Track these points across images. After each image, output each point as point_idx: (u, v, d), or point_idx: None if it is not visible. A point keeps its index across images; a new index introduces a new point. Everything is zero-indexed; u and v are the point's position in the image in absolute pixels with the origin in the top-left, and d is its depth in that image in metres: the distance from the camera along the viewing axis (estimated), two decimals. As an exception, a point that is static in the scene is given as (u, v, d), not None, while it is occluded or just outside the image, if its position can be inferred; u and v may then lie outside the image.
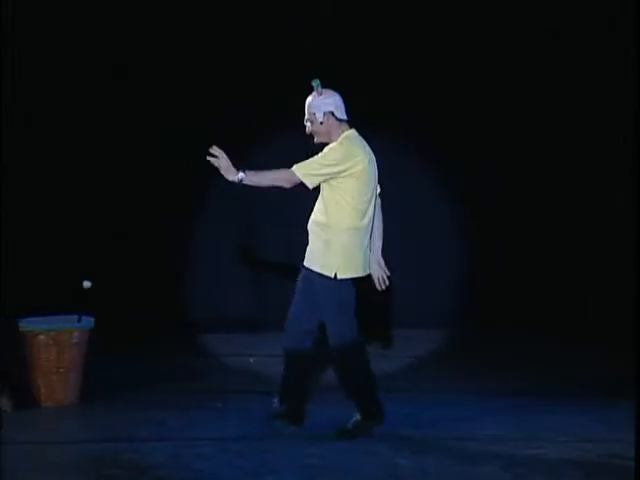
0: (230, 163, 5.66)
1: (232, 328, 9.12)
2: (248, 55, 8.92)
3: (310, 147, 5.88)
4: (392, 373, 7.63)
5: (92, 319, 6.85)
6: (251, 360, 8.09)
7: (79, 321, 6.81)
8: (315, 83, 5.79)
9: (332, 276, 5.74)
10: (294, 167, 5.73)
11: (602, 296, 8.92)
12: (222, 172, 5.68)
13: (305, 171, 5.70)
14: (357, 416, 5.85)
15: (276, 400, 5.98)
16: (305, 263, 5.87)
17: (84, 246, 8.97)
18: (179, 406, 6.64)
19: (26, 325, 6.79)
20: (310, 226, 5.89)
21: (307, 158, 5.73)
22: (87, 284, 6.86)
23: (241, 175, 5.65)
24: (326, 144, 5.84)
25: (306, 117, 5.86)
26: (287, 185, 5.75)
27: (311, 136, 5.90)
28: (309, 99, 5.84)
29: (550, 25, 8.99)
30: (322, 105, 5.79)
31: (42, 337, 6.70)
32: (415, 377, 7.71)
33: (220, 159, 5.66)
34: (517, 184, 9.29)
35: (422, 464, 5.35)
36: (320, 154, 5.78)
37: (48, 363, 6.69)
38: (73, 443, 5.75)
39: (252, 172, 5.69)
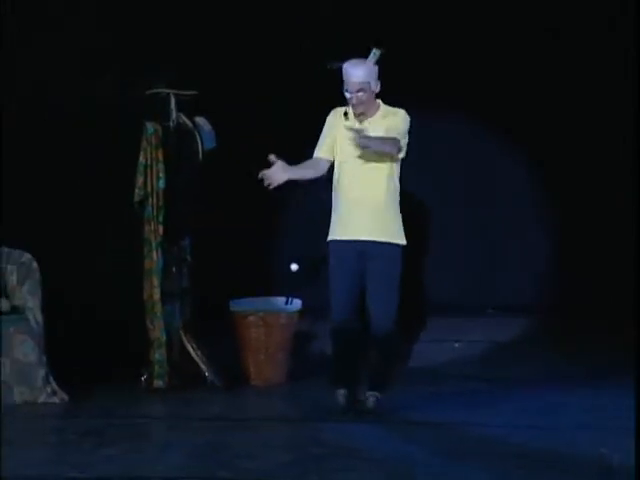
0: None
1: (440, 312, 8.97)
2: (248, 54, 8.69)
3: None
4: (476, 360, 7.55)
5: (300, 302, 6.91)
6: (456, 345, 7.99)
7: (287, 303, 6.88)
8: (376, 52, 5.55)
9: (404, 243, 5.69)
10: (394, 135, 5.59)
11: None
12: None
13: (402, 142, 5.63)
14: (377, 394, 5.82)
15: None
16: (369, 237, 5.65)
17: (287, 228, 9.04)
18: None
19: (236, 306, 6.93)
20: (367, 199, 5.64)
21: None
22: (294, 267, 6.92)
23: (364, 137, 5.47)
24: (360, 113, 5.64)
25: (357, 87, 5.56)
26: (394, 153, 5.59)
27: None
28: (361, 69, 5.56)
29: (550, 25, 8.70)
30: (375, 73, 5.61)
31: (252, 318, 6.82)
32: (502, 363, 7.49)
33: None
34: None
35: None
36: (396, 119, 5.63)
37: (257, 343, 6.81)
38: (281, 421, 5.84)
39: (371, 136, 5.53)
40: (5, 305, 6.53)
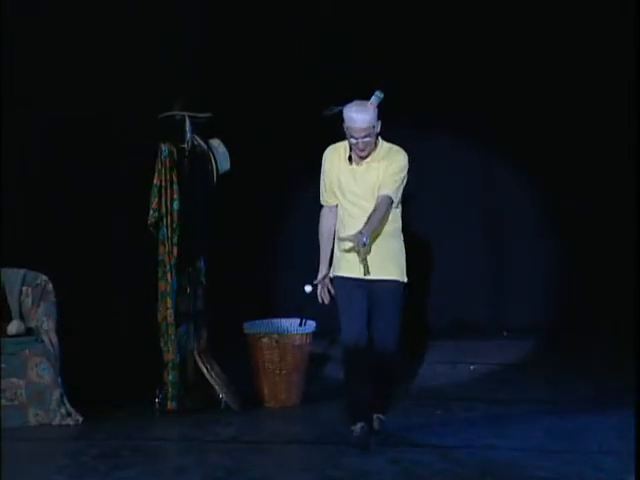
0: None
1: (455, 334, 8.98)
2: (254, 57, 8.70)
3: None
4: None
5: (314, 323, 6.87)
6: (471, 367, 7.92)
7: (301, 325, 6.85)
8: (380, 95, 5.41)
9: (406, 281, 5.71)
10: (387, 193, 5.50)
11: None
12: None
13: (397, 193, 5.56)
14: (381, 416, 5.85)
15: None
16: (374, 276, 5.56)
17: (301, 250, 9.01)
18: (399, 411, 6.53)
19: (250, 328, 6.91)
20: (372, 241, 5.52)
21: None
22: (308, 288, 6.87)
23: (365, 239, 5.38)
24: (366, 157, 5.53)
25: (363, 134, 5.41)
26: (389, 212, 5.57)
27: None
28: (366, 114, 5.40)
29: (551, 35, 8.73)
30: (376, 116, 5.45)
31: (265, 340, 6.79)
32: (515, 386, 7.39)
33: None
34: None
35: None
36: (393, 167, 5.51)
37: (271, 365, 6.77)
38: (296, 443, 5.78)
39: (368, 228, 5.43)
40: (20, 327, 6.51)
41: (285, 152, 8.42)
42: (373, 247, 5.54)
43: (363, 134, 5.41)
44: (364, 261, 5.44)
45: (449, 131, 9.03)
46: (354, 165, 5.58)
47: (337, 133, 5.75)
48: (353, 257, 5.54)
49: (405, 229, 5.78)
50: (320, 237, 5.78)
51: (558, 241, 9.16)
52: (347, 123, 5.44)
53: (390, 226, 5.62)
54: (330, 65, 8.62)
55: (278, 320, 6.96)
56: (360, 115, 5.39)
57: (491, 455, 5.54)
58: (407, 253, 5.76)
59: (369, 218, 5.45)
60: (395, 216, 5.67)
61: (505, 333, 9.04)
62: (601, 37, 8.61)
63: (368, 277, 5.54)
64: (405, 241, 5.77)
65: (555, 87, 8.86)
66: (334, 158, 5.62)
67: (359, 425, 5.64)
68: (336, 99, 5.57)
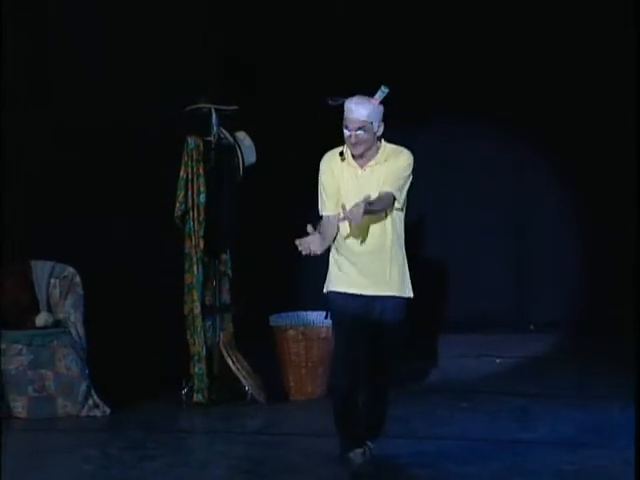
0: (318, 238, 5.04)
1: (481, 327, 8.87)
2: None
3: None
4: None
5: (339, 316, 6.84)
6: (497, 361, 7.90)
7: (327, 317, 6.78)
8: (385, 90, 5.10)
9: (411, 296, 5.21)
10: (389, 190, 5.09)
11: None
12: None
13: (401, 192, 5.13)
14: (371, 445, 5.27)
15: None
16: (375, 292, 5.12)
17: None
18: (426, 404, 6.58)
19: (276, 321, 6.93)
20: (373, 251, 5.11)
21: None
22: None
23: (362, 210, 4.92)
24: (360, 155, 5.11)
25: (358, 126, 5.05)
26: (385, 210, 5.08)
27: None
28: (365, 107, 5.08)
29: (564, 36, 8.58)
30: (379, 114, 5.10)
31: (291, 332, 6.81)
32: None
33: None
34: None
35: None
36: (397, 164, 5.10)
37: (297, 357, 6.79)
38: (321, 435, 5.73)
39: (365, 204, 4.96)
40: (49, 319, 6.55)
41: (311, 144, 8.39)
42: (374, 257, 5.13)
43: (357, 126, 5.05)
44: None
45: (477, 127, 8.97)
46: (358, 170, 5.17)
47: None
48: (354, 275, 5.14)
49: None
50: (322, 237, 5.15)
51: (585, 236, 9.07)
52: (345, 114, 5.12)
53: (392, 234, 5.14)
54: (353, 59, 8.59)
55: (304, 313, 6.96)
56: (359, 107, 5.08)
57: (517, 449, 5.53)
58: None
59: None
60: (398, 222, 5.18)
61: (532, 327, 8.98)
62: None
63: (369, 293, 5.11)
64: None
65: (587, 85, 8.77)
66: (334, 166, 5.18)
67: (357, 452, 5.14)
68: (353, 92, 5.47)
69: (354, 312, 5.12)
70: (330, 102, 5.22)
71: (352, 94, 5.29)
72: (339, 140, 5.47)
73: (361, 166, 5.14)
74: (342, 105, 5.18)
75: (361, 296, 5.12)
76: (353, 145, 5.09)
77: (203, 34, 8.08)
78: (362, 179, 5.12)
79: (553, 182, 9.16)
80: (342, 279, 5.16)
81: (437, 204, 8.79)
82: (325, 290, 5.24)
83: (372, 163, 5.13)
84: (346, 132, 5.10)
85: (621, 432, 5.70)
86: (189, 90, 6.87)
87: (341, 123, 5.12)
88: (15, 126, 7.02)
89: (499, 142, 9.05)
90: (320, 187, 5.22)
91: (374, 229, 5.12)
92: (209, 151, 6.68)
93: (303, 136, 8.43)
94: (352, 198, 5.02)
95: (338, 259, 5.18)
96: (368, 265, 5.12)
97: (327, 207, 5.19)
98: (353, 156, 5.13)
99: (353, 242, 5.13)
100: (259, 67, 8.44)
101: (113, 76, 7.51)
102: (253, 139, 6.86)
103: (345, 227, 5.13)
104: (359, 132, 5.05)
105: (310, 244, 5.01)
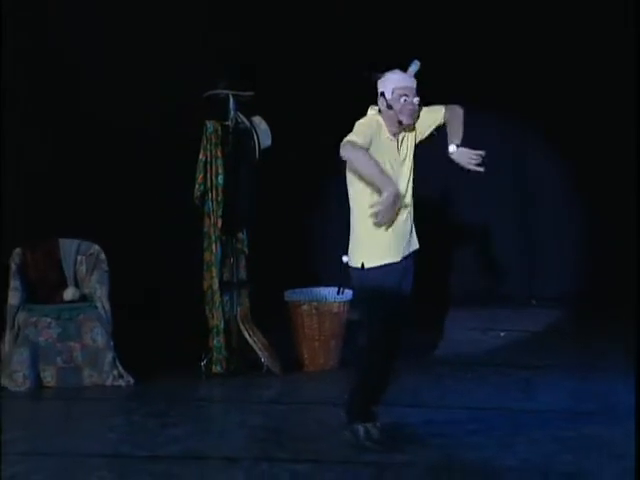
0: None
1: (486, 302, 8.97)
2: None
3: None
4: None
5: (351, 292, 6.90)
6: (502, 334, 7.97)
7: (339, 293, 6.88)
8: (417, 64, 5.03)
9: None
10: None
11: None
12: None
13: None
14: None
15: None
16: (406, 251, 5.02)
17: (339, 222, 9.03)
18: (433, 375, 6.64)
19: (291, 296, 7.00)
20: (405, 208, 4.99)
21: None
22: (346, 259, 6.92)
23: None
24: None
25: (414, 92, 4.95)
26: None
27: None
28: (414, 79, 4.99)
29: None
30: None
31: (305, 307, 6.89)
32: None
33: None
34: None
35: None
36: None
37: (311, 331, 6.86)
38: (334, 404, 5.76)
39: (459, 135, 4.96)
40: (75, 293, 6.67)
41: (325, 127, 8.42)
42: (406, 215, 4.98)
43: (414, 92, 4.93)
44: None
45: (480, 106, 9.01)
46: (394, 142, 5.00)
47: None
48: (397, 243, 4.97)
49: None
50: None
51: (588, 213, 9.13)
52: (396, 84, 4.92)
53: (412, 181, 5.02)
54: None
55: (317, 289, 7.03)
56: (409, 77, 4.97)
57: (520, 417, 5.60)
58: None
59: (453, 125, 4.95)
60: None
61: (534, 302, 9.07)
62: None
63: (403, 254, 4.98)
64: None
65: (586, 73, 8.83)
66: (380, 130, 4.95)
67: (374, 425, 5.06)
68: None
69: (394, 281, 4.94)
70: (373, 77, 5.03)
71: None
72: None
73: (394, 136, 4.99)
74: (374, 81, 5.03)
75: (399, 262, 4.97)
76: (410, 114, 4.93)
77: (203, 34, 8.11)
78: (398, 145, 4.99)
79: (556, 160, 9.21)
80: (381, 251, 4.94)
81: (442, 184, 8.70)
82: (358, 265, 4.99)
83: (402, 133, 5.02)
84: (404, 100, 4.90)
85: (619, 402, 5.80)
86: (208, 77, 6.92)
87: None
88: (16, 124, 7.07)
89: (503, 120, 9.10)
90: (360, 128, 4.88)
91: (402, 183, 4.96)
92: (227, 135, 6.76)
93: (318, 119, 8.48)
94: (389, 160, 4.91)
95: (373, 232, 4.93)
96: (401, 226, 4.97)
97: (361, 140, 4.81)
98: (400, 128, 4.95)
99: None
100: (276, 54, 8.44)
101: (112, 76, 7.57)
102: (268, 123, 6.94)
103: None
104: (416, 99, 4.94)
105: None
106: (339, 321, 6.92)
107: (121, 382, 6.48)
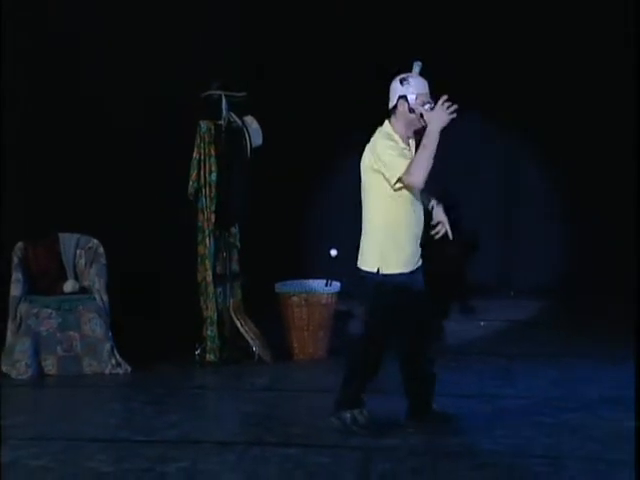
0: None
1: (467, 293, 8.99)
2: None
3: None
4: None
5: (339, 284, 7.06)
6: (482, 324, 8.06)
7: (327, 285, 7.03)
8: (420, 64, 5.03)
9: None
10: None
11: None
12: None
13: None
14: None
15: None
16: (419, 263, 5.17)
17: (327, 216, 9.15)
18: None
19: (281, 288, 7.09)
20: (422, 217, 5.13)
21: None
22: (334, 252, 7.04)
23: None
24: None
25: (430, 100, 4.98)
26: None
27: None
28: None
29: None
30: None
31: (295, 299, 6.98)
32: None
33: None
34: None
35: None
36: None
37: (300, 321, 6.96)
38: (322, 391, 5.92)
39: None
40: (75, 286, 6.76)
41: (316, 127, 8.42)
42: (422, 224, 5.12)
43: (429, 100, 4.94)
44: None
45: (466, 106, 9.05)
46: (407, 150, 5.05)
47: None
48: (413, 253, 5.08)
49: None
50: (421, 161, 4.81)
51: (566, 206, 9.20)
52: (420, 90, 4.94)
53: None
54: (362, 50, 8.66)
55: (307, 281, 7.11)
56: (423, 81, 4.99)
57: (500, 403, 5.73)
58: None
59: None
60: None
61: (512, 293, 9.17)
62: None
63: (417, 266, 5.11)
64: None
65: (576, 70, 8.86)
66: (398, 144, 5.00)
67: (363, 411, 5.20)
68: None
69: (417, 287, 5.10)
70: (415, 69, 5.00)
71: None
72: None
73: (407, 144, 5.06)
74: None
75: (412, 272, 5.09)
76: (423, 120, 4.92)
77: (203, 34, 8.13)
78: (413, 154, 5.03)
79: (539, 153, 9.26)
80: (406, 259, 5.04)
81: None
82: (373, 269, 5.02)
83: (411, 140, 5.10)
84: (428, 107, 4.89)
85: (593, 389, 5.95)
86: (202, 79, 6.98)
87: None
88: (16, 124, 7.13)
89: (488, 118, 9.08)
90: (393, 154, 4.91)
91: (421, 207, 5.07)
92: (220, 134, 6.83)
93: (309, 119, 8.47)
94: None
95: (398, 240, 5.00)
96: (419, 233, 5.09)
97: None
98: (415, 131, 4.99)
99: (412, 224, 5.04)
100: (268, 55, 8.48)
101: (111, 76, 7.61)
102: (260, 123, 7.00)
103: (400, 206, 4.95)
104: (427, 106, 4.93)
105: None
106: (328, 312, 7.02)
107: (119, 370, 6.56)
